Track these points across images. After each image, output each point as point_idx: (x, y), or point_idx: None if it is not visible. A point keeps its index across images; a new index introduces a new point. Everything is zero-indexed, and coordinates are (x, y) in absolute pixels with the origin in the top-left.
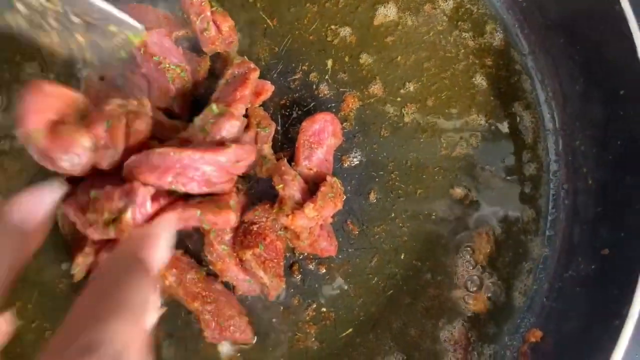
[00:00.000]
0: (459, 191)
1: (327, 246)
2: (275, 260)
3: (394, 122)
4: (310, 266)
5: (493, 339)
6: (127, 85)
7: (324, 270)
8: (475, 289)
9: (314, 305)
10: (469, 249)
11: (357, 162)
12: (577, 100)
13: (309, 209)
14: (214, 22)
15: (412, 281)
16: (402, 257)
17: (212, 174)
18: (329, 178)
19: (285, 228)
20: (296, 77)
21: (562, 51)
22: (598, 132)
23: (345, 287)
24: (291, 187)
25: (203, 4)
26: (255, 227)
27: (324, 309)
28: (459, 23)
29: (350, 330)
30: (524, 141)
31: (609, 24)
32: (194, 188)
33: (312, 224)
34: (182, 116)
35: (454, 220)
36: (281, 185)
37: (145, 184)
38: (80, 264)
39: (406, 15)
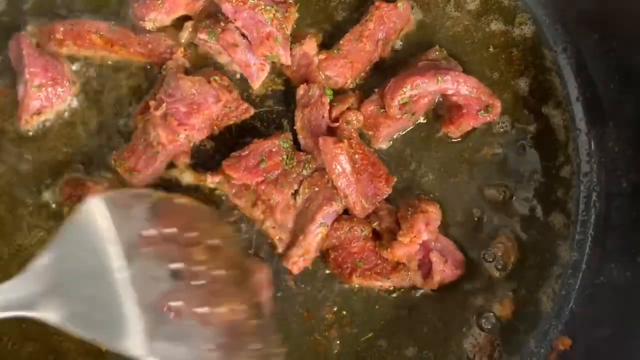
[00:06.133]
0: (488, 193)
1: (451, 271)
2: (379, 262)
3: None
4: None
5: (519, 346)
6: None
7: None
8: (501, 293)
9: (335, 308)
10: (495, 252)
11: None
12: (611, 98)
13: (402, 236)
14: None
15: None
16: None
17: None
18: (404, 203)
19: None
20: None
21: (596, 47)
22: (634, 132)
23: (366, 289)
24: (385, 221)
25: None
26: (339, 253)
27: (344, 312)
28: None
29: (371, 334)
30: (553, 141)
31: None
32: None
33: (415, 248)
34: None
35: (479, 222)
36: (377, 223)
37: None
38: None
39: None
